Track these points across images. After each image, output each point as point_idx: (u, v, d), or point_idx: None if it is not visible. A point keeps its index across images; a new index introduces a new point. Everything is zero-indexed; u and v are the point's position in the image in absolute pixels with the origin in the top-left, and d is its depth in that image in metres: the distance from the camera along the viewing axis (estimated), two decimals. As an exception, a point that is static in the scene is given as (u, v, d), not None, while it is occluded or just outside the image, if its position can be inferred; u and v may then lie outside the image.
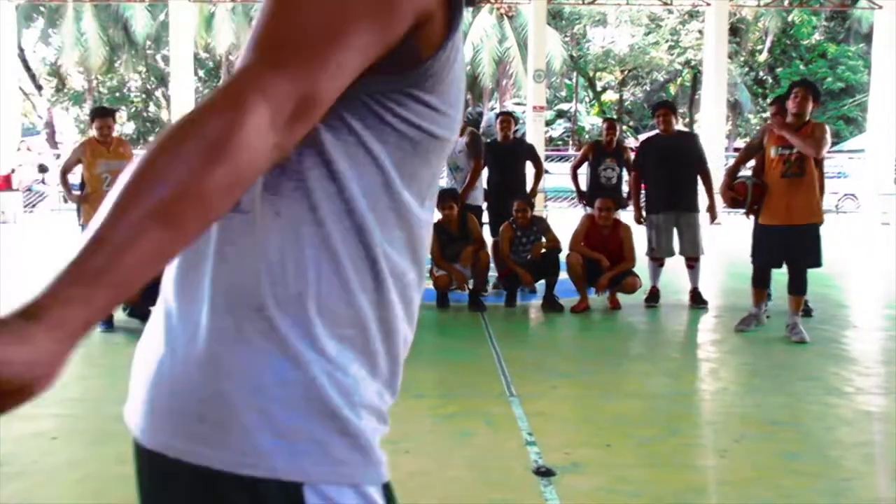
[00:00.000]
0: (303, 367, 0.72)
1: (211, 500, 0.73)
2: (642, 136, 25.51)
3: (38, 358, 0.51)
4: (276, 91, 0.62)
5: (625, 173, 7.25)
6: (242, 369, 0.71)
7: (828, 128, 5.08)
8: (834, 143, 26.61)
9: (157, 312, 0.81)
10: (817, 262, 5.11)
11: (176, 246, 0.59)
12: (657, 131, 6.70)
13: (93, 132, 5.89)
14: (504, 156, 7.01)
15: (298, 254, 0.72)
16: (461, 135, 6.80)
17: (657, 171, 6.44)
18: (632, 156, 7.18)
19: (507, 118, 7.24)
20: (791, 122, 5.04)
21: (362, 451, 0.74)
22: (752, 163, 5.51)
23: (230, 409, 0.71)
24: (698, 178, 6.45)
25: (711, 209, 6.35)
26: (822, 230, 5.16)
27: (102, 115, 5.99)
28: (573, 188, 7.74)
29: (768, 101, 21.00)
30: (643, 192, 6.70)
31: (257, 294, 0.71)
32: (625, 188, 7.36)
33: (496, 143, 7.22)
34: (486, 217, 7.17)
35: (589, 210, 6.82)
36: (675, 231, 6.40)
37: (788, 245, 5.10)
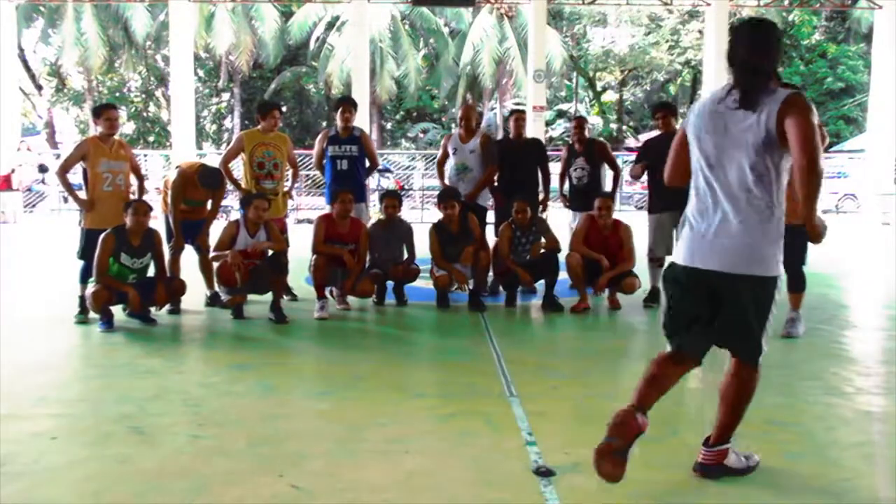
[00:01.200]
0: (780, 240, 2.67)
1: (761, 286, 2.63)
2: (643, 136, 25.59)
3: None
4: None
5: (608, 171, 7.23)
6: (772, 240, 2.64)
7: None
8: (834, 143, 26.71)
9: (722, 223, 2.65)
10: (800, 261, 5.13)
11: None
12: (658, 132, 6.71)
13: (96, 130, 5.89)
14: (516, 154, 6.88)
15: (774, 209, 2.66)
16: (474, 137, 6.78)
17: (657, 171, 6.42)
18: (614, 154, 7.16)
19: (522, 116, 7.12)
20: None
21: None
22: None
23: (766, 253, 2.62)
24: None
25: None
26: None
27: (109, 107, 6.01)
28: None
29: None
30: (644, 192, 6.73)
31: (771, 217, 2.63)
32: (608, 187, 7.27)
33: (508, 140, 7.16)
34: (490, 216, 7.08)
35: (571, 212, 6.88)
36: (673, 231, 6.39)
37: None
